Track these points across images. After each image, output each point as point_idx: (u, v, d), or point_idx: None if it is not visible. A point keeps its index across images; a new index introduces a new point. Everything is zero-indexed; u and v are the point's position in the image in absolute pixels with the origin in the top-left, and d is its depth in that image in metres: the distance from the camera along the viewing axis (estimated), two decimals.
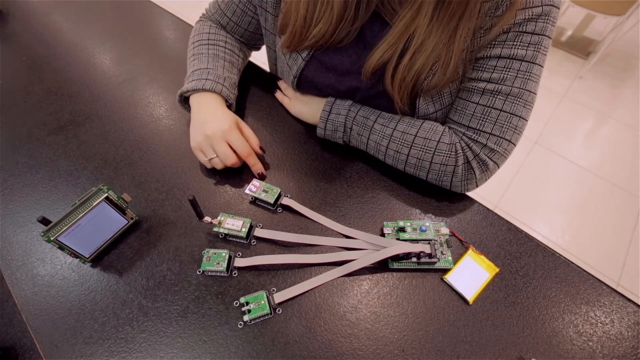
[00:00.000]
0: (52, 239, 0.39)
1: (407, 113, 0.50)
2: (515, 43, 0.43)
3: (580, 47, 2.20)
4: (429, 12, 0.41)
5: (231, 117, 0.52)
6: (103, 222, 0.43)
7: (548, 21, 0.42)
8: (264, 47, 0.66)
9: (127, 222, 0.46)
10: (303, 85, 0.56)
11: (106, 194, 0.42)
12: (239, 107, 0.62)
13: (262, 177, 0.52)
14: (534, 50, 0.43)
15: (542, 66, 0.44)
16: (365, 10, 0.45)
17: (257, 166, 0.51)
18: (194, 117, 0.53)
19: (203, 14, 0.64)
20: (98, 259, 0.44)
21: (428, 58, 0.43)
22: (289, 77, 0.56)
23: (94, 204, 0.41)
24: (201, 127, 0.51)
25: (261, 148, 0.53)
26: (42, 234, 0.39)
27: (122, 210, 0.45)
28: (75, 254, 0.42)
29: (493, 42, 0.43)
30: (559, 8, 0.42)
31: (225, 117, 0.52)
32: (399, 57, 0.45)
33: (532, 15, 0.41)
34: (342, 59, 0.50)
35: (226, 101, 0.55)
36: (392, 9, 0.44)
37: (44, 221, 0.39)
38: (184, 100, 0.57)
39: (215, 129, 0.50)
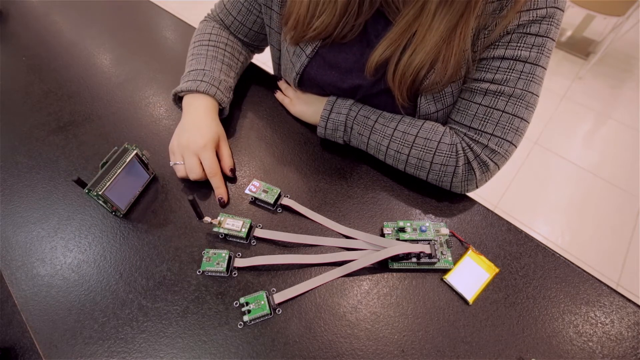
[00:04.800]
0: (100, 193, 0.42)
1: (408, 111, 0.50)
2: (519, 44, 0.43)
3: (580, 47, 2.21)
4: (432, 10, 0.41)
5: (212, 132, 0.51)
6: (132, 177, 0.47)
7: (552, 23, 0.42)
8: (265, 48, 0.66)
9: (149, 176, 0.50)
10: (305, 82, 0.55)
11: (135, 151, 0.47)
12: (238, 108, 0.62)
13: (222, 205, 0.49)
14: (538, 52, 0.43)
15: (545, 68, 0.44)
16: (369, 7, 0.45)
17: (219, 190, 0.49)
18: (182, 118, 0.53)
19: (208, 14, 0.64)
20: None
21: (428, 54, 0.43)
22: (291, 74, 0.55)
23: (128, 159, 0.45)
24: (181, 132, 0.51)
25: (232, 170, 0.52)
26: (87, 191, 0.42)
27: (145, 166, 0.49)
28: (116, 208, 0.45)
29: (497, 43, 0.43)
30: (563, 10, 0.42)
31: (206, 131, 0.51)
32: (401, 53, 0.45)
33: (537, 17, 0.41)
34: (346, 56, 0.50)
35: (219, 105, 0.55)
36: (396, 8, 0.44)
37: (79, 182, 0.42)
38: (179, 100, 0.57)
39: (190, 141, 0.49)
